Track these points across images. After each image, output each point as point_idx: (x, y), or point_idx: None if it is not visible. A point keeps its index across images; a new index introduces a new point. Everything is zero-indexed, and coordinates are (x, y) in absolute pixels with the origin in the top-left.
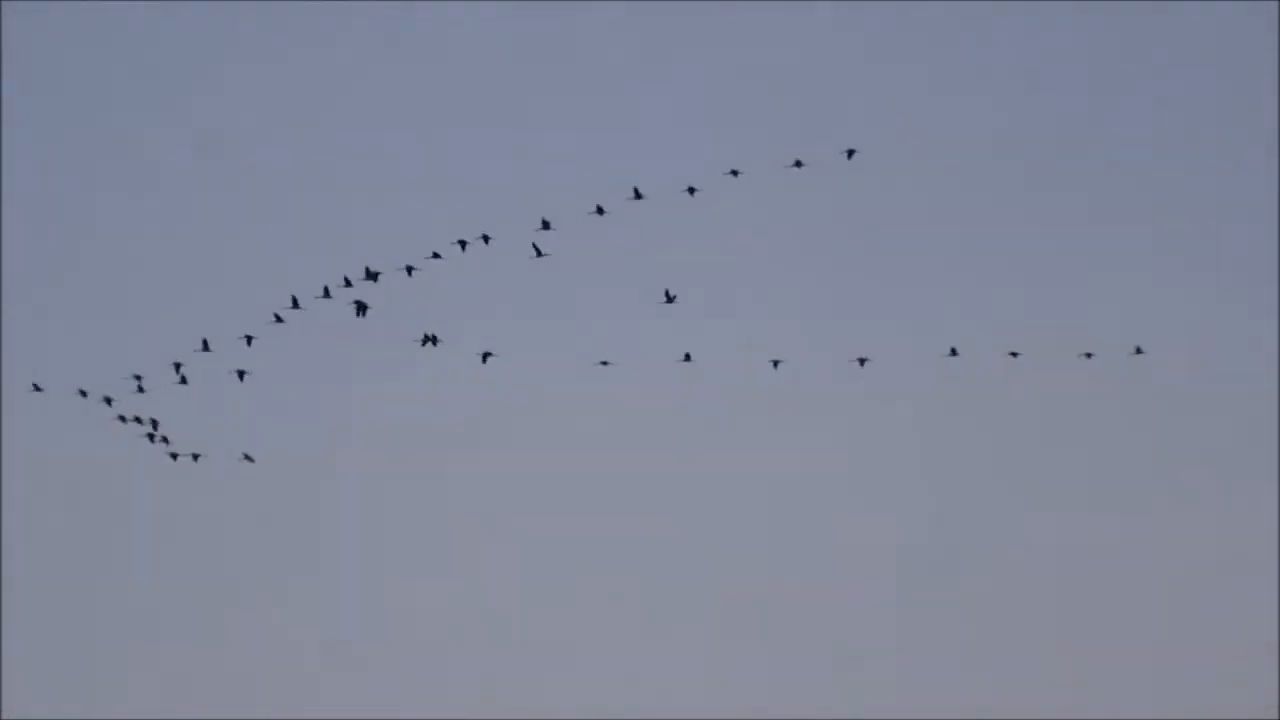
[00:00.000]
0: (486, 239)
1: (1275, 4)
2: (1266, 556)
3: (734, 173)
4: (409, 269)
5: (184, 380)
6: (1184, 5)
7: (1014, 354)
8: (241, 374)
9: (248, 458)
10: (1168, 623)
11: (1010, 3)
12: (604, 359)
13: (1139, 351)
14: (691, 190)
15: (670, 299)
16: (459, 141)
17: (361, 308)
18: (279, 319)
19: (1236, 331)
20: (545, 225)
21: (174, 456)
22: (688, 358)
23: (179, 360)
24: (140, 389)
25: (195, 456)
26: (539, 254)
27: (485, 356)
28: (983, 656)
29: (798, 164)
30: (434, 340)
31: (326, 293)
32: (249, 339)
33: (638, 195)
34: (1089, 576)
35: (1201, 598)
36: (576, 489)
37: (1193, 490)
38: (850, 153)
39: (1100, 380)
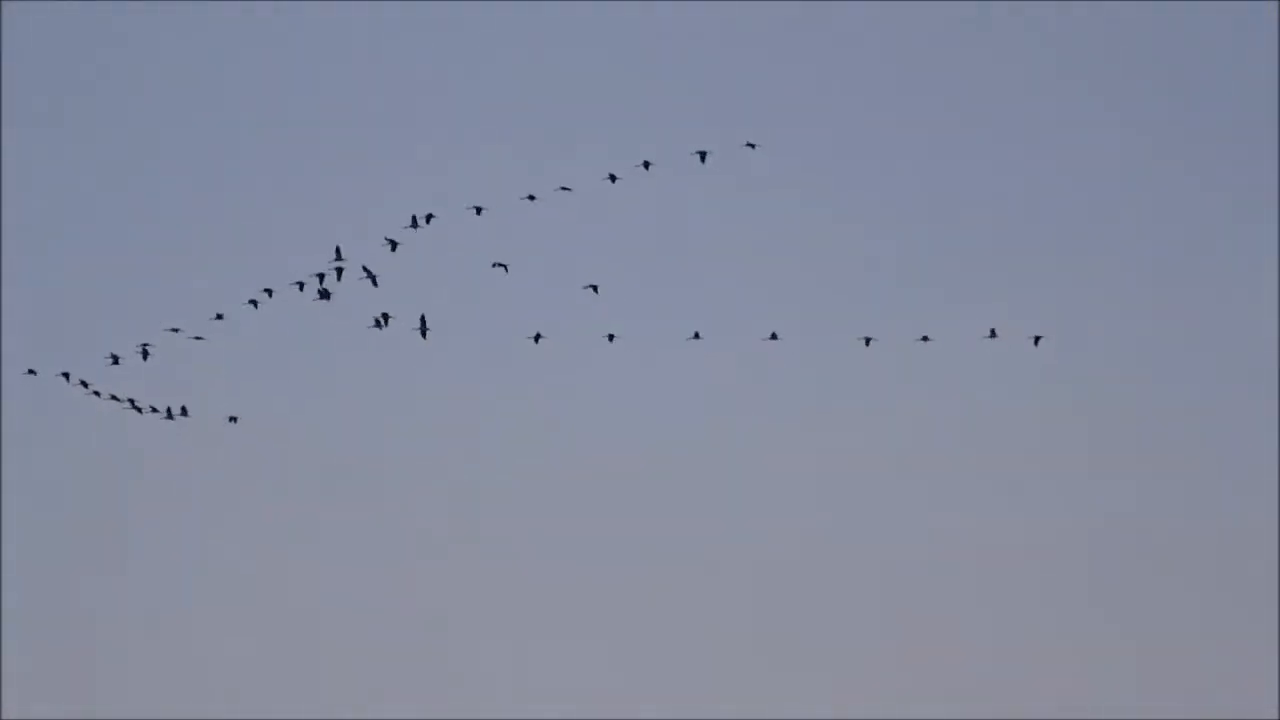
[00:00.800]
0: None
1: (1275, 4)
2: (1267, 556)
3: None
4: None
5: (146, 356)
6: (1184, 5)
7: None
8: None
9: (233, 419)
10: (1167, 622)
11: (1011, 2)
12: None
13: (1037, 342)
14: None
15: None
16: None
17: (325, 294)
18: (254, 304)
19: (1237, 331)
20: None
21: (167, 413)
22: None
23: (147, 341)
24: (115, 361)
25: (184, 410)
26: (506, 269)
27: (423, 329)
28: (982, 656)
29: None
30: (386, 321)
31: (301, 286)
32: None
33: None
34: (1089, 576)
35: (1201, 598)
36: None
37: (1193, 489)
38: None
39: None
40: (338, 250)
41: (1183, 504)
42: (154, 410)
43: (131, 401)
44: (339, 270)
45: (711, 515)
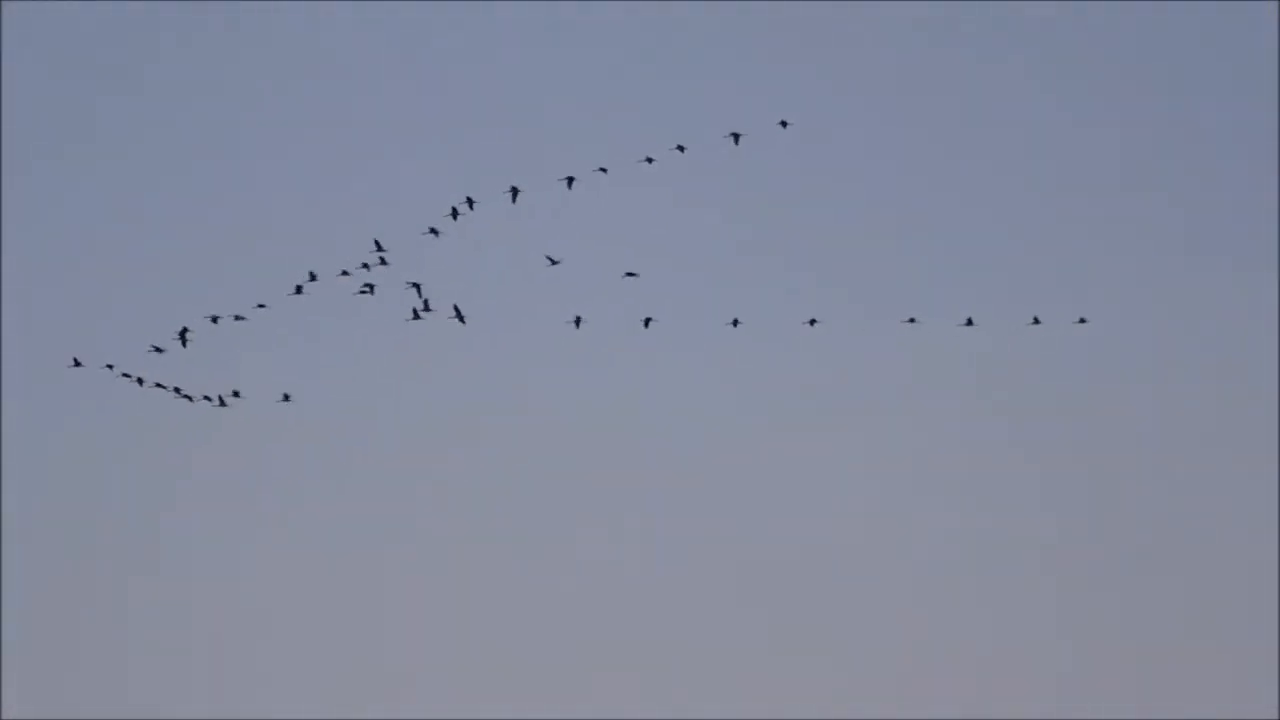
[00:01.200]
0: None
1: (1275, 4)
2: (1267, 556)
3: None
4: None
5: (185, 342)
6: (1184, 5)
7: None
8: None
9: (286, 397)
10: (1167, 620)
11: (1013, 2)
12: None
13: (1083, 321)
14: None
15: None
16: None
17: (369, 287)
18: (299, 290)
19: (1237, 331)
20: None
21: (220, 400)
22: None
23: (187, 326)
24: (158, 350)
25: (235, 393)
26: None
27: (460, 316)
28: (981, 655)
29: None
30: (426, 308)
31: (345, 272)
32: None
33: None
34: (1088, 576)
35: (1201, 597)
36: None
37: (1193, 488)
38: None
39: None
40: (377, 243)
41: (1183, 503)
42: (206, 399)
43: (177, 390)
44: (382, 259)
45: (755, 502)
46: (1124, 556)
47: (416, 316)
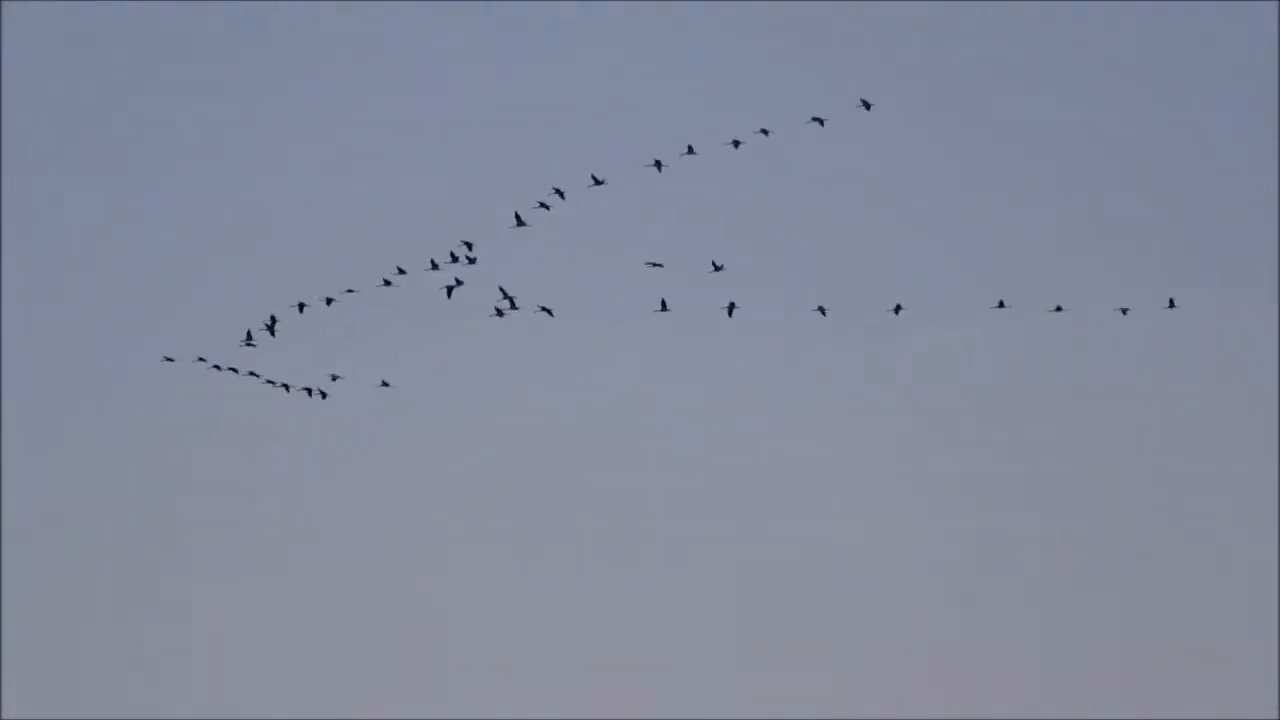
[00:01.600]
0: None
1: (1275, 4)
2: (1267, 556)
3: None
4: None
5: (273, 331)
6: (1184, 5)
7: (1059, 309)
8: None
9: (385, 384)
10: (1167, 620)
11: (1015, 2)
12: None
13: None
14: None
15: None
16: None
17: (455, 285)
18: (387, 283)
19: (1237, 331)
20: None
21: (319, 392)
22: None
23: (274, 315)
24: (249, 340)
25: (334, 378)
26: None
27: (548, 311)
28: (981, 656)
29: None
30: (512, 305)
31: (434, 264)
32: (329, 300)
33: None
34: (1088, 575)
35: (1201, 597)
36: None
37: (1193, 488)
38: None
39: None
40: (469, 245)
41: (1183, 504)
42: (306, 390)
43: (274, 382)
44: (470, 258)
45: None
46: (1124, 557)
47: (499, 314)
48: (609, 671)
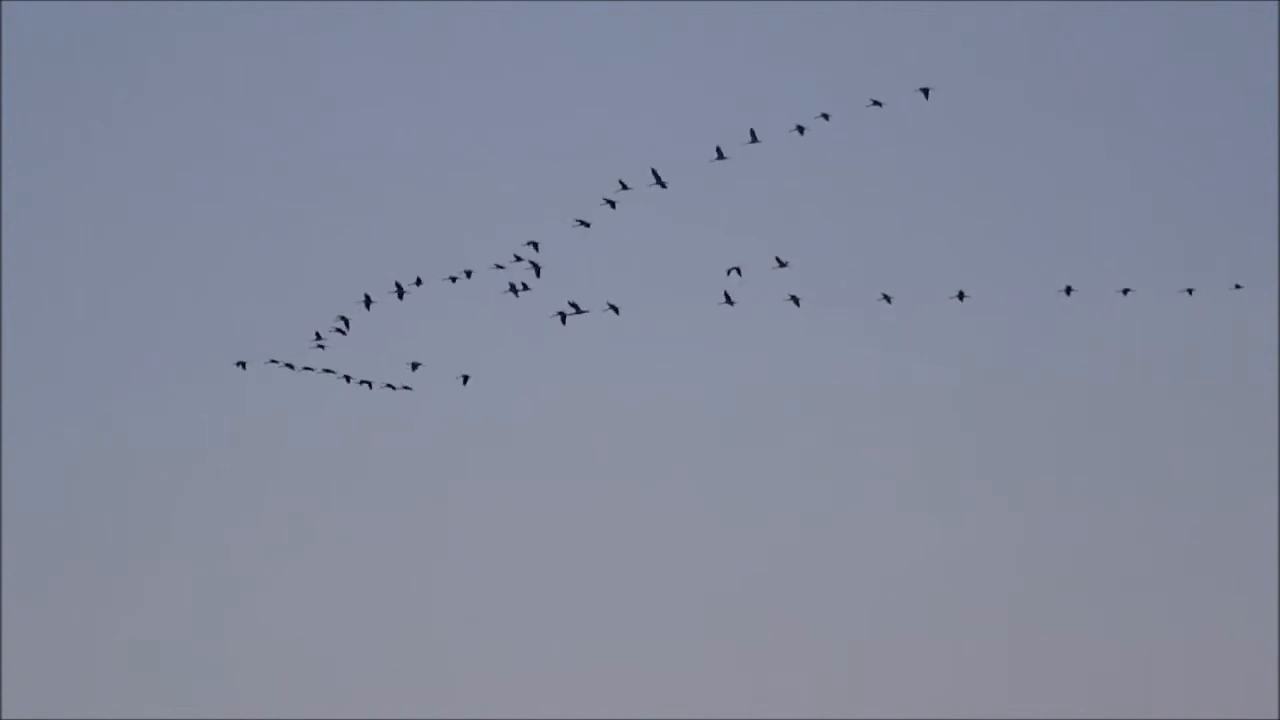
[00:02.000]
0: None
1: (1275, 4)
2: (1267, 556)
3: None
4: (583, 222)
5: (345, 330)
6: (1184, 5)
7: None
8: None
9: (465, 378)
10: (1167, 622)
11: (1017, 2)
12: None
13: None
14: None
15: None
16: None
17: (528, 280)
18: (453, 280)
19: (1237, 331)
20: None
21: (403, 386)
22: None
23: (344, 316)
24: (319, 341)
25: (414, 366)
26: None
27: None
28: (981, 656)
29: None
30: (576, 310)
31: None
32: (400, 291)
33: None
34: (1088, 575)
35: (1201, 597)
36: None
37: (1193, 489)
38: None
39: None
40: (535, 245)
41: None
42: (389, 386)
43: (347, 378)
44: (536, 267)
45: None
46: (1124, 557)
47: (562, 319)
48: (609, 671)
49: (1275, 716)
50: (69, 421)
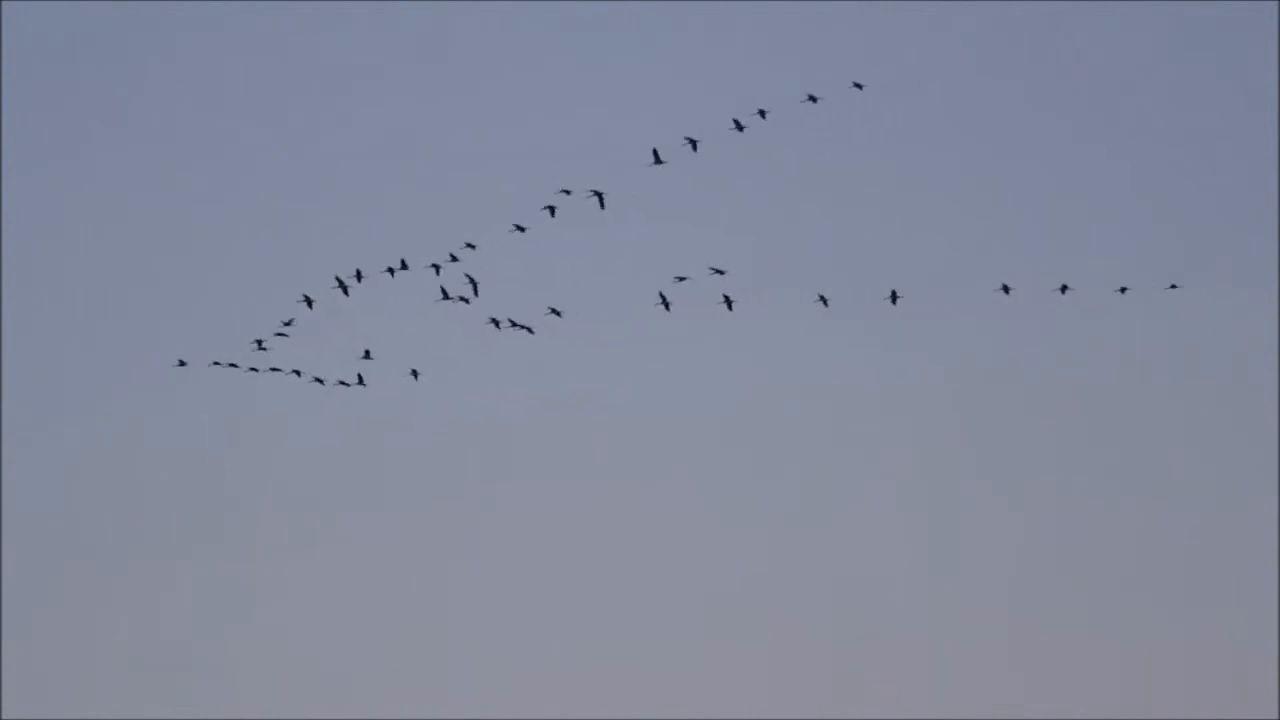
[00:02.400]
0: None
1: (1275, 4)
2: (1267, 556)
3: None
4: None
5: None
6: (1184, 5)
7: (1063, 287)
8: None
9: (414, 373)
10: (1167, 622)
11: (1018, 2)
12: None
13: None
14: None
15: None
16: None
17: (459, 299)
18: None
19: (1237, 332)
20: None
21: (358, 379)
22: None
23: (292, 317)
24: (261, 347)
25: (367, 353)
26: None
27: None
28: (981, 655)
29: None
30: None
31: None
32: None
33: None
34: (1088, 575)
35: (1201, 597)
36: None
37: (1193, 489)
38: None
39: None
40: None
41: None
42: (342, 383)
43: (297, 372)
44: (470, 281)
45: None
46: (1124, 556)
47: (496, 328)
48: (609, 671)
49: (1275, 717)
50: (69, 421)
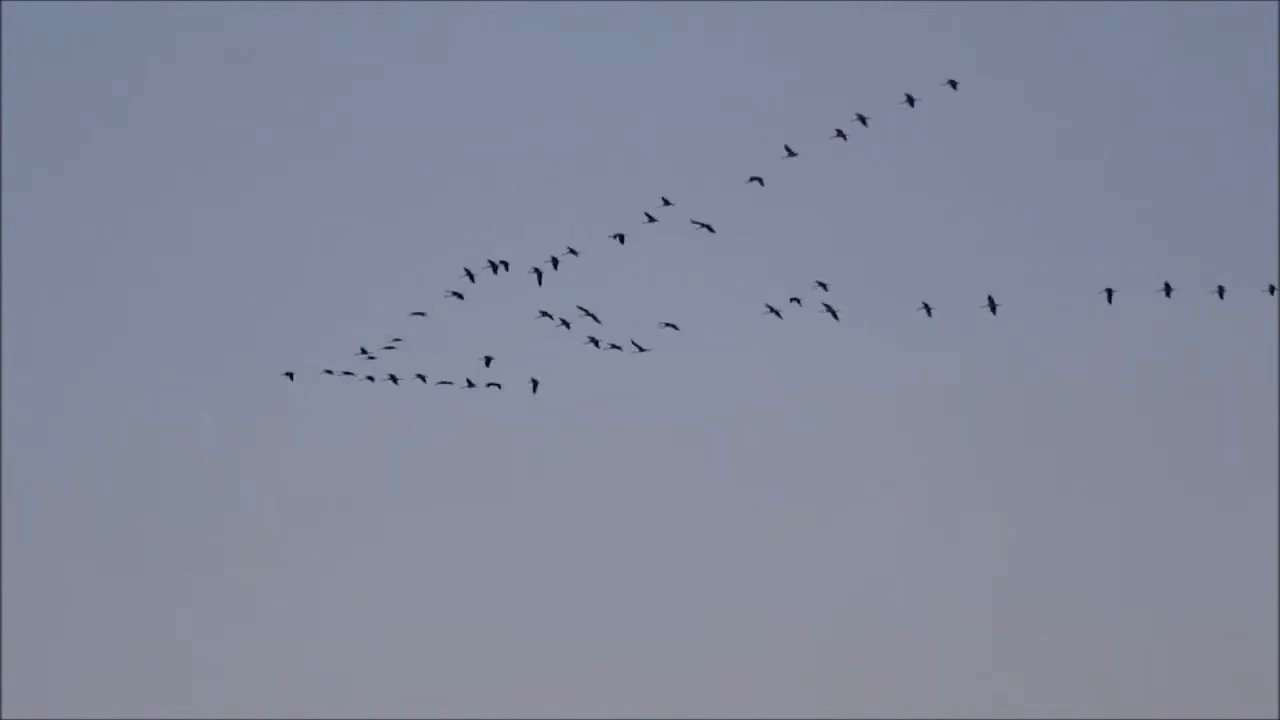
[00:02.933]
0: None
1: (1275, 4)
2: (1267, 556)
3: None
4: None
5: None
6: (1184, 5)
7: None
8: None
9: (487, 359)
10: (1167, 622)
11: (1020, 2)
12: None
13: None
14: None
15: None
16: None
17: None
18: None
19: (1237, 332)
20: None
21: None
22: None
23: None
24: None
25: (487, 360)
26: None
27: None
28: (982, 656)
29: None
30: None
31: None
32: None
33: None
34: (1089, 575)
35: (1201, 596)
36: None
37: (1193, 489)
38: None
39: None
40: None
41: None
42: (469, 384)
43: (422, 377)
44: (539, 273)
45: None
46: (1124, 557)
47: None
48: (609, 671)
49: (1275, 717)
50: (70, 421)
